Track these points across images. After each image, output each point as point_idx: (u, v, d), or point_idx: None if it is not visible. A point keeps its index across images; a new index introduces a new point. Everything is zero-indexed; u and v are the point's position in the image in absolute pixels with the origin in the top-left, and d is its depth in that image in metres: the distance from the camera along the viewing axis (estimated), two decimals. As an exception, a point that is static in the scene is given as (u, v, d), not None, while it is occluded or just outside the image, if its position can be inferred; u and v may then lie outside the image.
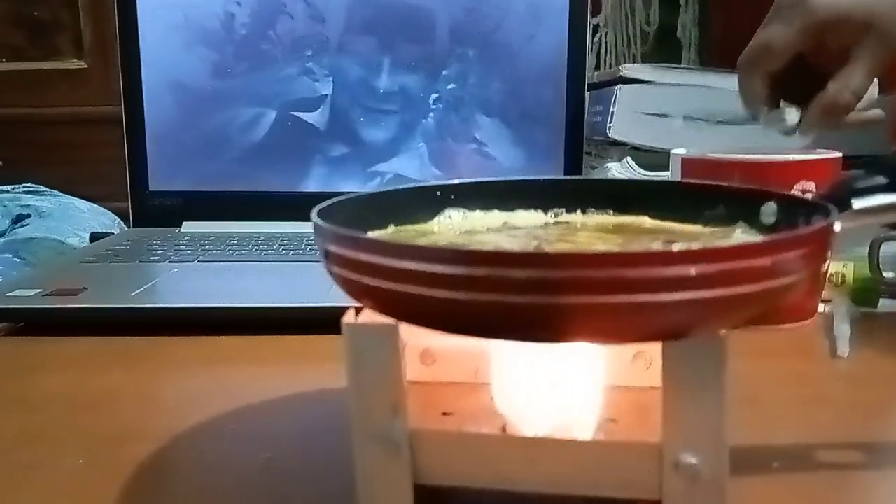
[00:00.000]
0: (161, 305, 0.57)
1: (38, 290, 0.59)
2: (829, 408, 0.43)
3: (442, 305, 0.25)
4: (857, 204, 0.30)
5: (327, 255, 0.28)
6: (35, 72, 1.55)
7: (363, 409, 0.29)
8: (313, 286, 0.53)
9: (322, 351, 0.50)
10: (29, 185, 1.19)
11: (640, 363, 0.37)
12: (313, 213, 0.30)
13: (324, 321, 0.53)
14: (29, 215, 1.11)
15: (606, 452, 0.28)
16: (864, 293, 0.62)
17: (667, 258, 0.23)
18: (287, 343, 0.54)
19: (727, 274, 0.24)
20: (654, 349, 0.31)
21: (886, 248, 0.62)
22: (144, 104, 0.82)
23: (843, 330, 0.54)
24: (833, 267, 0.63)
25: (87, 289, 0.59)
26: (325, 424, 0.41)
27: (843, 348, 0.52)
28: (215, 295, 0.57)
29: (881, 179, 0.31)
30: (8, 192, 1.17)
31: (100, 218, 1.13)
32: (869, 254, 0.60)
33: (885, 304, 0.63)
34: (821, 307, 0.60)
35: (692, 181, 0.41)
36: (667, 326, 0.24)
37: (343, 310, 0.53)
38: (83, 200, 1.17)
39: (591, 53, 1.53)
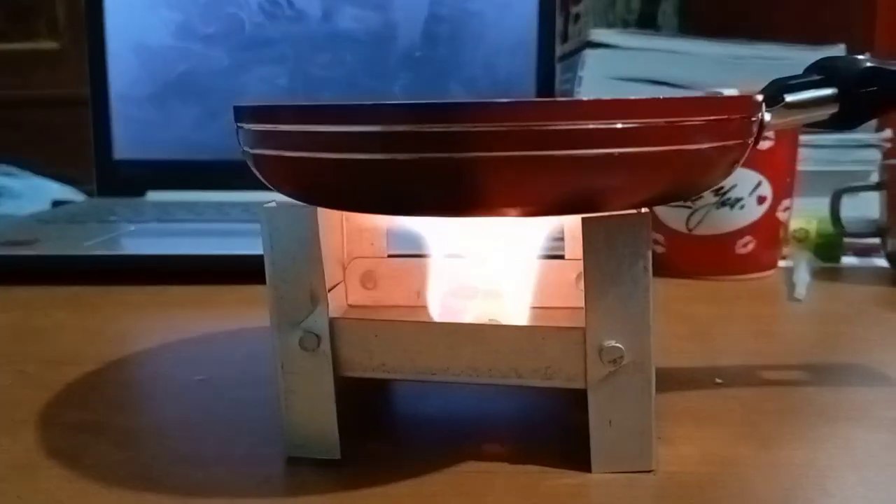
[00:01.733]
0: (112, 253, 0.56)
1: (-10, 242, 0.58)
2: (777, 340, 0.43)
3: (358, 170, 0.24)
4: (789, 98, 0.30)
5: (245, 139, 0.28)
6: (10, 54, 1.54)
7: (282, 299, 0.28)
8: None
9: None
10: (2, 164, 1.18)
11: (582, 284, 0.36)
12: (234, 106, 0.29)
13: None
14: (0, 195, 1.10)
15: (528, 338, 0.27)
16: (827, 248, 0.62)
17: (583, 109, 0.23)
18: (238, 291, 0.53)
19: (646, 130, 0.23)
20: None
21: (852, 209, 0.62)
22: (109, 70, 0.81)
23: (802, 276, 0.54)
24: (797, 223, 0.63)
25: (39, 240, 0.58)
26: (265, 357, 0.40)
27: (801, 291, 0.51)
28: (167, 245, 0.56)
29: (814, 77, 0.31)
30: (-20, 173, 1.16)
31: (72, 198, 1.12)
32: (831, 205, 0.60)
33: (848, 261, 0.63)
34: (782, 263, 0.60)
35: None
36: (582, 189, 0.24)
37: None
38: (56, 182, 1.16)
39: (573, 41, 1.52)
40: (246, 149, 0.28)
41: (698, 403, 0.33)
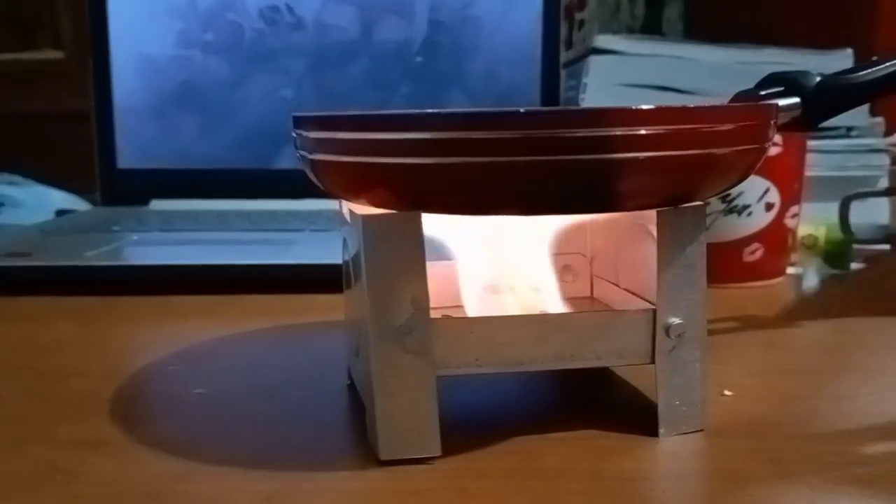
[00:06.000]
0: (115, 263, 0.55)
1: (-9, 254, 0.57)
2: (786, 349, 0.42)
3: (450, 173, 0.26)
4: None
5: (335, 145, 0.28)
6: (16, 68, 1.55)
7: (382, 305, 0.28)
8: (269, 249, 0.55)
9: (272, 308, 0.51)
10: (5, 174, 1.18)
11: (567, 275, 0.39)
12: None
13: (274, 280, 0.52)
14: (2, 204, 1.10)
15: (608, 322, 0.29)
16: (836, 255, 0.62)
17: (662, 115, 0.26)
18: (238, 302, 0.52)
19: (687, 133, 0.27)
20: (581, 263, 0.39)
21: (861, 215, 0.61)
22: (112, 81, 0.81)
23: (811, 280, 0.54)
24: (805, 229, 0.62)
25: (40, 251, 0.58)
26: (265, 368, 0.40)
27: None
28: (170, 255, 0.56)
29: (779, 88, 0.36)
30: (-17, 183, 1.15)
31: (76, 207, 1.11)
32: (840, 211, 0.59)
33: (857, 268, 0.63)
34: (791, 270, 0.59)
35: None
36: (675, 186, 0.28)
37: (292, 268, 0.53)
38: (59, 191, 1.15)
39: (577, 47, 1.52)
40: (331, 158, 0.29)
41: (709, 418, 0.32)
